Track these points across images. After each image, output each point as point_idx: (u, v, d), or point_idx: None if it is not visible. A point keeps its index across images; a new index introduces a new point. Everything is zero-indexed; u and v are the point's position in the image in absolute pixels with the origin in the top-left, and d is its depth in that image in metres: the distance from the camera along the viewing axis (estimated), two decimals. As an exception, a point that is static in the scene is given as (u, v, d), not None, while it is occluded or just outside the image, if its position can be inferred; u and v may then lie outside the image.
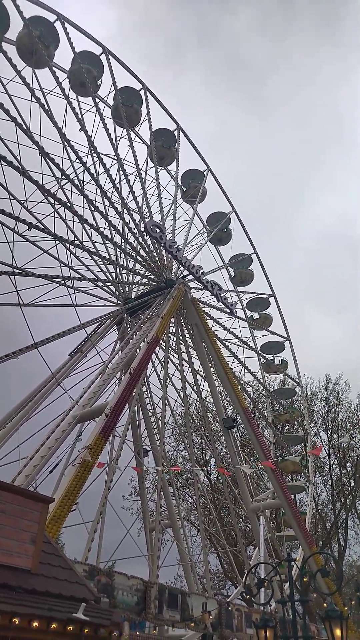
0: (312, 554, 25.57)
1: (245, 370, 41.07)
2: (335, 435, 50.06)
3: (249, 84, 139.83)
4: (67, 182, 30.09)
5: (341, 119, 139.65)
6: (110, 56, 35.98)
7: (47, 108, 29.44)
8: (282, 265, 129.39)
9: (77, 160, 30.97)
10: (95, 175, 31.91)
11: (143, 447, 32.49)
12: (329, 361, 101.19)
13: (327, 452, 49.67)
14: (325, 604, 12.92)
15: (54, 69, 31.82)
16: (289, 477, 40.07)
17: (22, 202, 27.93)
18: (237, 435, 39.82)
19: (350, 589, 41.17)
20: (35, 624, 6.75)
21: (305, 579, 17.46)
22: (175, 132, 41.98)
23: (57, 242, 28.06)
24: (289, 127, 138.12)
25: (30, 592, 7.87)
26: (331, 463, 49.14)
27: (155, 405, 34.27)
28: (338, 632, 11.95)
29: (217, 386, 36.39)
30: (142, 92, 39.34)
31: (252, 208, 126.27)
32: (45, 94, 31.11)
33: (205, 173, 43.97)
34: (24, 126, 27.06)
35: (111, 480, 22.48)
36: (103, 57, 35.78)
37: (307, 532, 32.69)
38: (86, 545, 19.77)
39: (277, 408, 44.43)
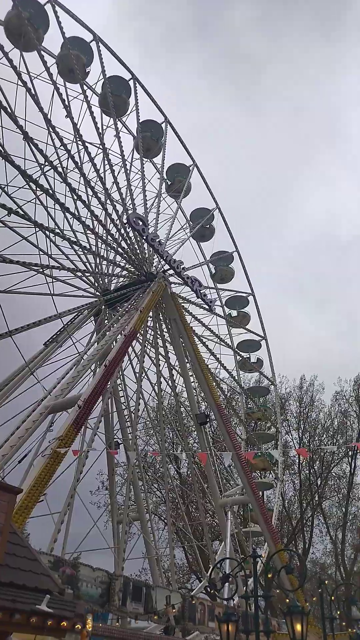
0: (277, 551, 26.03)
1: (221, 367, 41.34)
2: (307, 435, 50.95)
3: (244, 78, 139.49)
4: (50, 169, 29.62)
5: (335, 117, 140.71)
6: (100, 44, 35.49)
7: (33, 92, 28.86)
8: (266, 261, 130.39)
9: (62, 147, 30.49)
10: (79, 164, 31.47)
11: (115, 439, 32.43)
12: (309, 357, 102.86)
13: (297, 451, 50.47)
14: (287, 600, 13.18)
15: (43, 53, 31.19)
16: (258, 474, 40.56)
17: (3, 186, 27.38)
18: (209, 432, 40.07)
19: (313, 585, 42.13)
20: (-4, 614, 6.67)
21: (269, 575, 17.76)
22: (163, 125, 41.74)
23: (37, 229, 27.64)
24: (282, 123, 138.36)
25: (-6, 583, 7.78)
26: (300, 462, 49.99)
27: (129, 398, 34.23)
28: (298, 627, 12.24)
29: (192, 382, 36.55)
30: (131, 82, 38.95)
31: (241, 202, 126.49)
32: (32, 78, 30.47)
33: (190, 168, 43.88)
34: (8, 109, 26.45)
35: (80, 472, 22.38)
36: (93, 45, 35.28)
37: (273, 529, 33.24)
38: (52, 536, 19.67)
39: (251, 406, 44.88)
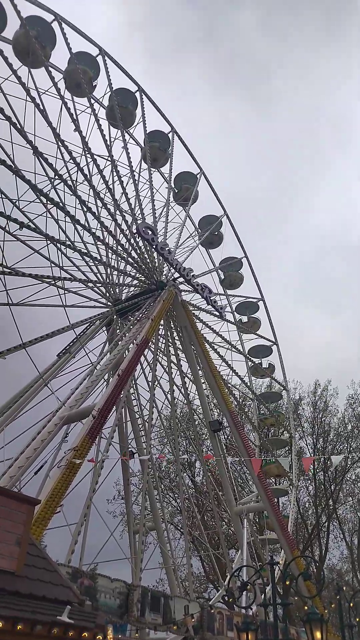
0: (294, 558, 25.86)
1: (233, 374, 41.32)
2: (320, 440, 50.57)
3: (251, 80, 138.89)
4: (60, 182, 30.06)
5: (344, 119, 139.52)
6: (106, 57, 36.06)
7: (42, 108, 29.40)
8: (276, 266, 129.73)
9: (71, 161, 30.97)
10: (88, 176, 31.91)
11: (129, 449, 32.52)
12: (321, 362, 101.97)
13: (312, 456, 50.07)
14: (306, 607, 13.13)
15: (50, 69, 31.78)
16: (273, 480, 40.35)
17: (14, 201, 27.86)
18: (223, 439, 40.00)
19: (330, 592, 41.63)
20: (19, 626, 6.79)
21: (287, 583, 17.67)
22: (170, 135, 42.15)
23: (49, 242, 28.03)
24: (291, 126, 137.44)
25: (14, 595, 7.91)
26: (315, 467, 49.57)
27: (143, 407, 34.36)
28: (318, 634, 12.20)
29: (205, 389, 36.57)
30: (137, 94, 39.48)
31: (250, 206, 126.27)
32: (41, 93, 31.05)
33: (198, 176, 44.18)
34: (18, 125, 27.01)
35: (96, 483, 22.50)
36: (99, 58, 35.85)
37: (290, 536, 33.00)
38: (69, 547, 19.78)
39: (263, 412, 44.72)
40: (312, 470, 49.30)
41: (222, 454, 35.21)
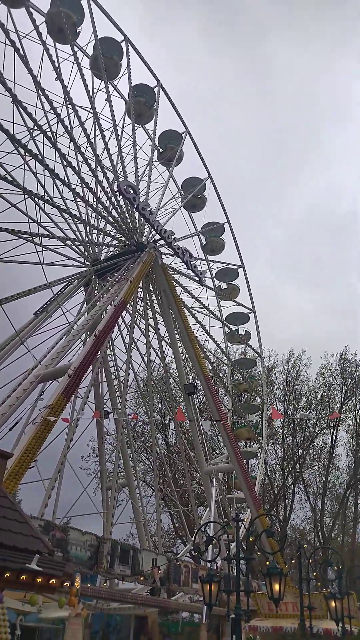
0: (259, 515, 26.97)
1: (209, 339, 41.67)
2: (291, 407, 52.07)
3: (250, 42, 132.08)
4: (40, 134, 28.91)
5: (342, 89, 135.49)
6: (92, 1, 34.09)
7: (22, 53, 27.82)
8: (263, 236, 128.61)
9: (51, 111, 29.68)
10: (69, 128, 30.73)
11: (104, 409, 32.85)
12: (299, 334, 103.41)
13: (282, 422, 51.72)
14: (267, 562, 13.76)
15: (31, 9, 29.92)
16: (243, 443, 41.55)
17: (-9, 151, 26.70)
18: (197, 402, 40.72)
19: (292, 550, 43.84)
20: (-12, 573, 6.94)
21: (251, 539, 18.47)
22: (156, 89, 40.63)
23: (26, 196, 27.13)
24: (288, 93, 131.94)
25: (-15, 544, 8.03)
26: (284, 433, 51.25)
27: (119, 368, 34.51)
28: (277, 587, 12.83)
29: (181, 353, 36.87)
30: (123, 44, 37.65)
31: (239, 174, 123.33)
32: (21, 37, 29.34)
33: (183, 135, 42.99)
34: (-5, 70, 25.56)
35: (71, 440, 22.74)
36: (84, 2, 33.88)
37: (256, 496, 34.32)
38: (43, 501, 20.13)
39: (237, 377, 45.54)
40: (280, 435, 51.00)
41: (195, 417, 35.93)
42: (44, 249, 28.47)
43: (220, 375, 46.88)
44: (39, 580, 7.65)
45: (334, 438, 50.99)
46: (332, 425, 50.98)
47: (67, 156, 30.33)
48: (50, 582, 7.83)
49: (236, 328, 45.71)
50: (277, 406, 51.90)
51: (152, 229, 35.34)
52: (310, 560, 20.84)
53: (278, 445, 51.26)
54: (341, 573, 20.96)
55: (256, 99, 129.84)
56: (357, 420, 52.08)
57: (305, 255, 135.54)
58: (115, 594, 20.27)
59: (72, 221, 31.82)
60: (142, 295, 36.45)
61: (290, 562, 25.65)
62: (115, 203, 33.84)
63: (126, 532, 39.00)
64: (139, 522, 32.26)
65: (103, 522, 26.69)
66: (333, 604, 17.97)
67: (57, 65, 30.50)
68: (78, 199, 31.54)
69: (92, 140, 32.71)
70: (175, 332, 36.25)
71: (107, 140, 33.79)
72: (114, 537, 24.19)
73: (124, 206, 34.30)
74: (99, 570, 18.60)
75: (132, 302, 32.81)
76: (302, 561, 18.81)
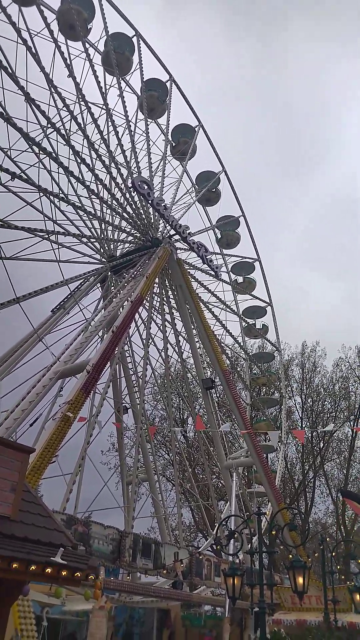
0: (280, 509, 26.85)
1: (227, 334, 41.51)
2: (309, 400, 51.65)
3: (267, 28, 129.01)
4: (53, 131, 28.96)
5: None
6: (102, -3, 33.99)
7: (34, 51, 27.87)
8: (284, 227, 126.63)
9: (64, 109, 29.70)
10: (82, 125, 30.75)
11: (123, 404, 33.01)
12: (322, 325, 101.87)
13: (300, 415, 51.35)
14: (290, 556, 13.67)
15: (42, 7, 29.93)
16: (262, 437, 41.38)
17: (6, 150, 26.89)
18: (215, 397, 40.66)
19: (314, 544, 43.58)
20: (14, 565, 7.01)
21: (273, 533, 18.40)
22: (168, 84, 40.42)
23: (41, 194, 27.28)
24: (305, 81, 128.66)
25: (9, 537, 8.12)
26: (303, 426, 50.85)
27: (137, 364, 34.61)
28: (300, 580, 12.75)
29: (198, 348, 36.81)
30: (134, 39, 37.51)
31: (260, 165, 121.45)
32: (32, 35, 29.38)
33: (196, 129, 42.72)
34: (9, 69, 25.66)
35: (90, 435, 22.91)
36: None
37: (277, 489, 34.17)
38: (64, 496, 20.34)
39: (255, 371, 45.30)
40: (300, 428, 50.60)
41: (213, 411, 35.88)
42: (59, 246, 28.66)
43: (238, 369, 46.69)
44: (64, 573, 7.69)
45: (354, 430, 50.42)
46: (352, 417, 50.43)
47: (80, 153, 30.36)
48: (75, 575, 7.87)
49: (253, 322, 45.45)
50: (294, 400, 51.67)
51: (167, 224, 35.25)
52: (333, 554, 20.68)
53: (297, 439, 50.90)
54: (365, 566, 20.75)
55: (273, 88, 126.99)
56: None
57: (329, 245, 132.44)
58: (138, 587, 20.40)
59: (87, 218, 31.94)
60: (158, 291, 36.45)
61: (313, 555, 25.49)
62: (130, 199, 33.83)
63: (147, 526, 39.29)
64: (159, 516, 32.40)
65: (124, 516, 26.88)
66: (358, 597, 17.79)
67: (69, 62, 30.51)
68: (92, 196, 31.60)
69: (106, 137, 32.71)
70: (192, 327, 36.19)
71: (120, 136, 33.80)
72: (135, 531, 24.36)
73: (138, 202, 34.27)
74: (121, 563, 18.72)
75: (148, 298, 32.84)
76: (325, 554, 18.67)
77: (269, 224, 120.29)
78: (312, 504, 49.94)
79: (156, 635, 22.91)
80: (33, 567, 7.30)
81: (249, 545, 24.76)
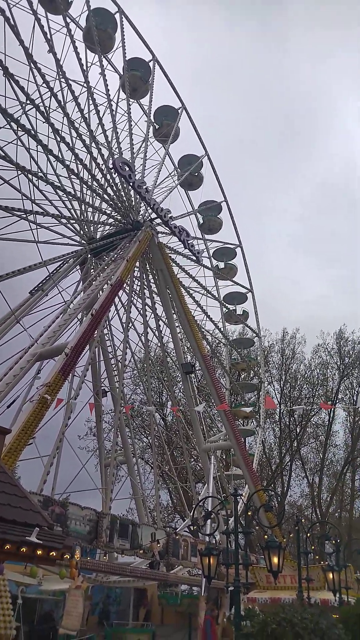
0: (257, 490, 27.27)
1: (207, 319, 41.58)
2: (287, 386, 52.39)
3: (266, 9, 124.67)
4: (32, 108, 28.20)
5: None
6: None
7: (12, 23, 26.94)
8: (277, 212, 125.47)
9: (44, 85, 28.91)
10: (62, 103, 29.99)
11: (102, 387, 32.90)
12: (313, 312, 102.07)
13: (279, 401, 52.05)
14: (266, 536, 13.89)
15: (21, -24, 28.88)
16: (241, 421, 41.85)
17: (-18, 125, 26.07)
18: (194, 381, 40.84)
19: (290, 525, 44.58)
20: (-12, 545, 6.92)
21: (249, 514, 18.67)
22: (151, 64, 39.63)
23: (19, 172, 26.61)
24: (305, 64, 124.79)
25: (-16, 517, 8.01)
26: (281, 411, 51.66)
27: (116, 347, 34.46)
28: (275, 560, 12.95)
29: (178, 332, 36.80)
30: (117, 16, 36.57)
31: (252, 149, 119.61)
32: (11, 5, 28.34)
33: (179, 111, 42.11)
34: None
35: (69, 418, 22.78)
36: (76, -30, 32.78)
37: (254, 472, 34.71)
38: (41, 477, 20.25)
39: (235, 357, 45.62)
40: (277, 414, 51.41)
41: (193, 395, 36.06)
42: (38, 226, 28.12)
43: (218, 354, 46.96)
44: (39, 552, 7.66)
45: (331, 416, 51.46)
46: (329, 403, 51.37)
47: (60, 131, 29.71)
48: (50, 554, 7.85)
49: (234, 308, 45.60)
50: (273, 385, 52.33)
51: (149, 207, 34.86)
52: (308, 535, 21.13)
53: (275, 424, 51.72)
54: (339, 546, 21.27)
55: (270, 70, 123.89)
56: (354, 398, 52.45)
57: (321, 231, 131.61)
58: (115, 567, 20.56)
59: (66, 198, 31.35)
60: (138, 275, 36.17)
61: (289, 536, 26.03)
62: (111, 180, 33.29)
63: (125, 507, 39.52)
64: (137, 497, 32.64)
65: (102, 498, 26.97)
66: (331, 576, 18.25)
67: (49, 37, 29.63)
68: (72, 176, 31.00)
69: (86, 116, 32.01)
70: (173, 311, 36.10)
71: (101, 115, 33.12)
72: (113, 512, 24.46)
73: (119, 184, 33.76)
74: (98, 544, 18.81)
75: (128, 281, 32.58)
76: (299, 535, 19.06)
77: (260, 209, 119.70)
78: (288, 486, 51.04)
79: (132, 614, 23.21)
80: (8, 547, 7.23)
81: (225, 526, 25.16)
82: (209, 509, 17.73)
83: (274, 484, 50.50)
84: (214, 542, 23.70)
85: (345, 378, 52.63)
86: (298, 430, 51.43)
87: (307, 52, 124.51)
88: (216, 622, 17.32)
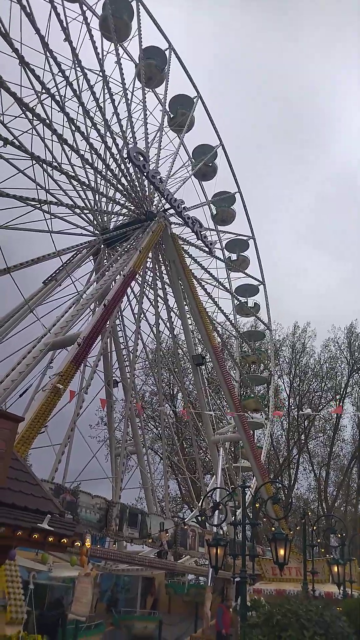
0: (264, 482, 27.39)
1: (218, 311, 41.54)
2: (297, 379, 52.27)
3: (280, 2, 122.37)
4: (48, 97, 28.15)
5: None
6: None
7: (28, 11, 26.81)
8: (290, 205, 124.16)
9: (60, 74, 28.80)
10: (78, 92, 29.90)
11: (113, 378, 33.13)
12: (321, 307, 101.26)
13: (287, 394, 52.02)
14: (273, 528, 13.97)
15: None
16: (250, 414, 41.91)
17: (-2, 114, 26.10)
18: (204, 373, 40.94)
19: (296, 518, 44.74)
20: (1, 530, 7.07)
21: (256, 505, 18.77)
22: (167, 52, 39.27)
23: (34, 162, 26.65)
24: (318, 58, 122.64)
25: (-3, 504, 8.17)
26: (290, 404, 51.62)
27: (128, 338, 34.61)
28: (282, 552, 13.03)
29: (190, 324, 36.84)
30: (134, 4, 36.23)
31: (264, 139, 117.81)
32: (28, -7, 28.15)
33: (195, 100, 41.75)
34: (2, 30, 24.69)
35: (80, 407, 23.02)
36: None
37: (262, 465, 34.82)
38: (53, 465, 20.54)
39: (246, 349, 45.58)
40: (286, 407, 51.38)
41: (203, 387, 36.17)
42: (52, 216, 28.20)
43: (229, 347, 46.95)
44: (50, 539, 7.81)
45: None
46: (337, 397, 51.21)
47: (75, 121, 29.64)
48: (62, 541, 7.99)
49: (245, 300, 45.47)
50: (283, 379, 52.28)
51: (162, 198, 34.77)
52: (314, 528, 21.21)
53: (284, 417, 51.74)
54: (344, 540, 21.34)
55: (283, 63, 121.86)
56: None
57: (332, 227, 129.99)
58: (124, 555, 20.87)
59: (80, 189, 31.37)
60: (151, 266, 36.19)
61: (295, 529, 26.16)
62: (125, 170, 33.22)
63: (134, 497, 39.98)
64: (147, 487, 32.97)
65: (112, 487, 27.29)
66: (335, 569, 18.33)
67: (65, 25, 29.44)
68: (87, 166, 30.97)
69: (102, 105, 31.90)
70: (185, 303, 36.11)
71: (116, 104, 32.97)
72: (123, 501, 24.75)
73: (133, 174, 33.68)
74: (108, 532, 19.08)
75: (141, 272, 32.61)
76: (306, 528, 19.15)
77: (272, 201, 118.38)
78: (295, 479, 51.13)
79: (140, 602, 23.59)
80: (20, 532, 7.38)
81: (233, 517, 25.34)
82: (217, 500, 17.87)
83: (281, 477, 50.64)
84: (222, 533, 23.89)
85: (354, 373, 52.38)
86: (306, 424, 51.39)
87: (320, 42, 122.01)
88: (229, 611, 17.54)
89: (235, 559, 16.62)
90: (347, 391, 51.76)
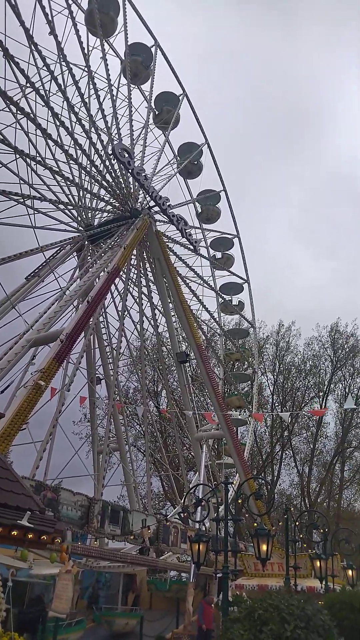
0: (247, 479, 27.56)
1: (203, 309, 41.63)
2: (281, 377, 52.71)
3: None
4: (32, 91, 27.82)
5: None
6: None
7: (13, 3, 26.43)
8: (281, 200, 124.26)
9: (44, 68, 28.48)
10: (62, 87, 29.60)
11: (96, 375, 32.97)
12: (311, 303, 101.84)
13: (271, 391, 52.47)
14: (255, 524, 14.06)
15: None
16: (234, 411, 42.11)
17: (-19, 107, 25.72)
18: (189, 370, 41.00)
19: (279, 513, 45.14)
20: (-21, 528, 6.98)
21: (239, 501, 18.87)
22: (152, 49, 39.12)
23: (18, 156, 26.33)
24: (316, 48, 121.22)
25: (-24, 500, 8.07)
26: (273, 401, 52.04)
27: (112, 335, 34.47)
28: (264, 547, 13.13)
29: (174, 322, 36.84)
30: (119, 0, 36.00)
31: (257, 134, 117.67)
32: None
33: (180, 97, 41.68)
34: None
35: (62, 404, 22.86)
36: None
37: (245, 461, 35.04)
38: (34, 462, 20.36)
39: (230, 347, 45.77)
40: (270, 404, 51.79)
41: (187, 384, 36.22)
42: (35, 212, 27.91)
43: (213, 344, 47.08)
44: (30, 536, 7.75)
45: (322, 407, 51.87)
46: (321, 394, 51.82)
47: (60, 116, 29.37)
48: (41, 538, 7.94)
49: (230, 298, 45.63)
50: (267, 376, 52.69)
51: (147, 195, 34.66)
52: (296, 523, 21.41)
53: (268, 414, 52.13)
54: (326, 535, 21.59)
55: (273, 57, 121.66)
56: (346, 390, 52.92)
57: (323, 222, 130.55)
58: (105, 552, 20.80)
59: (64, 184, 31.10)
60: (135, 263, 36.08)
61: (278, 524, 26.40)
62: (110, 167, 33.02)
63: (117, 494, 39.88)
64: (129, 484, 32.92)
65: (94, 484, 27.17)
66: (318, 564, 18.54)
67: (50, 18, 29.11)
68: (71, 161, 30.71)
69: (86, 100, 31.63)
70: (169, 300, 36.09)
71: (101, 100, 32.73)
72: (105, 498, 24.67)
73: (118, 170, 33.50)
74: (89, 529, 19.00)
75: (125, 269, 32.48)
76: (288, 524, 19.32)
77: (262, 198, 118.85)
78: (278, 475, 51.63)
79: (121, 599, 23.56)
80: (-1, 529, 7.31)
81: (215, 514, 25.47)
82: (200, 497, 17.92)
83: (264, 473, 51.06)
84: (204, 529, 23.98)
85: (337, 370, 53.06)
86: (289, 420, 51.82)
87: (313, 38, 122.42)
88: (210, 607, 17.61)
89: (217, 555, 16.70)
90: (330, 388, 52.42)
